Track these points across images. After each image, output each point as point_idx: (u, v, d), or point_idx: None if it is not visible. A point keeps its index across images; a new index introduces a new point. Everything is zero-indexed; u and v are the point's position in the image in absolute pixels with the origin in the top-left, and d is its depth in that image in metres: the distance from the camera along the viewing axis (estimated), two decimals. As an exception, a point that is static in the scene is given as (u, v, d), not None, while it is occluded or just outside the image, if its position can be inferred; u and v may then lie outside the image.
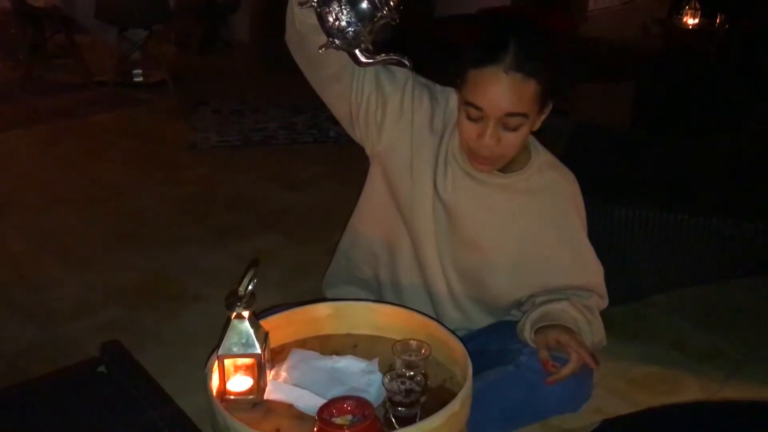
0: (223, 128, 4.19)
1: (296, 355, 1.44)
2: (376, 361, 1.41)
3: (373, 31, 1.25)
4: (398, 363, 1.35)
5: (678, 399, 1.97)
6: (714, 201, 2.12)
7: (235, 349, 1.33)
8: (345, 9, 1.21)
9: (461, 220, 1.57)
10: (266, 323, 1.47)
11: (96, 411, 1.22)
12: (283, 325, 1.53)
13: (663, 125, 3.29)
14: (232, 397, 1.35)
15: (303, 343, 1.51)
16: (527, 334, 1.49)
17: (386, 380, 1.28)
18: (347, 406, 1.23)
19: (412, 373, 1.30)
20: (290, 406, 1.33)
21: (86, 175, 3.56)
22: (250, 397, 1.35)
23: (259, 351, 1.33)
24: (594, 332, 1.54)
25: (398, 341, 1.41)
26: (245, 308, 1.33)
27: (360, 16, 1.22)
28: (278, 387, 1.36)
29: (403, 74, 1.51)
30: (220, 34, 6.13)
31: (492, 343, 1.62)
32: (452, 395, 1.37)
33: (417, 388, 1.27)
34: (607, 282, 2.11)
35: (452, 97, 1.53)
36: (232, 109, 4.52)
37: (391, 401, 1.26)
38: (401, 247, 1.63)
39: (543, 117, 1.45)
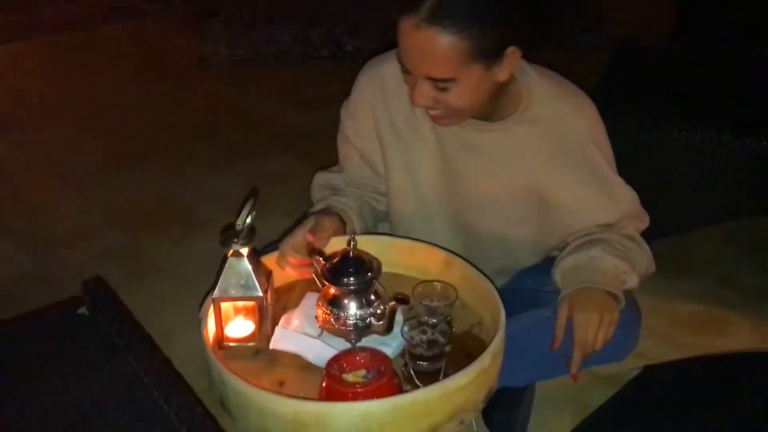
0: (234, 41, 3.92)
1: (310, 300, 1.26)
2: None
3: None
4: (420, 308, 1.17)
5: (727, 341, 1.79)
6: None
7: (233, 292, 1.15)
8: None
9: (458, 171, 1.38)
10: (270, 260, 1.29)
11: (72, 360, 1.06)
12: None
13: (711, 34, 2.96)
14: (231, 344, 1.19)
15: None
16: (557, 285, 1.31)
17: (406, 329, 1.10)
18: (361, 360, 1.06)
19: (435, 320, 1.12)
20: (298, 357, 1.17)
21: (89, 90, 3.35)
22: (251, 344, 1.19)
23: (260, 293, 1.15)
24: (636, 263, 1.35)
25: (420, 283, 1.22)
26: (244, 244, 1.15)
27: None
28: (285, 335, 1.19)
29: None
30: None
31: (527, 281, 1.45)
32: (480, 344, 1.20)
33: (441, 339, 1.09)
34: (651, 212, 1.93)
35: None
36: (244, 20, 4.24)
37: (411, 354, 1.09)
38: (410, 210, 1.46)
39: (504, 67, 1.18)
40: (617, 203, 1.39)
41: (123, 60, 3.79)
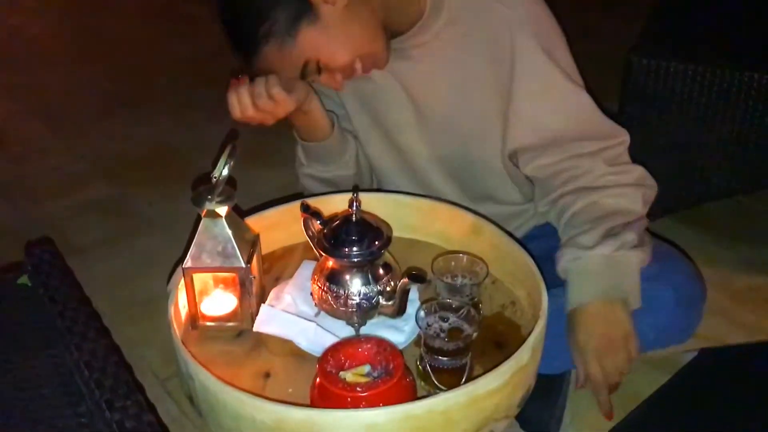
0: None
1: (307, 270, 1.03)
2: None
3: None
4: (441, 287, 0.94)
5: (795, 321, 1.55)
6: None
7: (207, 260, 0.93)
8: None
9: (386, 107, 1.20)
10: (258, 221, 1.07)
11: (2, 341, 0.85)
12: (285, 223, 1.12)
13: None
14: (207, 323, 0.97)
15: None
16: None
17: (422, 314, 0.87)
18: (364, 352, 0.84)
19: (459, 303, 0.89)
20: (288, 342, 0.95)
21: (90, 30, 3.12)
22: (231, 324, 0.97)
23: (242, 263, 0.93)
24: (642, 226, 1.08)
25: (441, 254, 0.99)
26: (221, 202, 0.92)
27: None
28: (273, 315, 0.96)
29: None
30: None
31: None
32: (514, 330, 0.98)
33: (467, 328, 0.86)
34: (704, 168, 1.65)
35: None
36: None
37: (428, 346, 0.85)
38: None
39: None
40: (576, 116, 1.12)
41: (125, 0, 3.54)
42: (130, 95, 2.57)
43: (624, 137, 1.15)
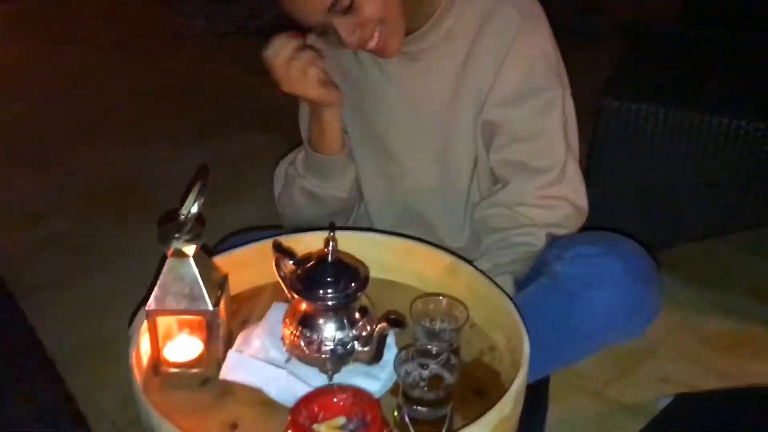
0: (214, 14, 3.63)
1: (278, 313, 0.98)
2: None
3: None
4: (419, 331, 0.91)
5: (764, 366, 1.54)
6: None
7: (173, 303, 0.88)
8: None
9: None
10: (226, 260, 1.02)
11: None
12: (254, 262, 1.07)
13: (718, 19, 2.72)
14: (171, 369, 0.92)
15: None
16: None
17: (401, 361, 0.83)
18: (339, 402, 0.79)
19: (439, 349, 0.85)
20: (257, 390, 0.90)
21: (54, 62, 3.06)
22: (196, 370, 0.91)
23: (209, 306, 0.88)
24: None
25: (419, 297, 0.95)
26: (189, 241, 0.87)
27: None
28: (240, 361, 0.91)
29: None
30: None
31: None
32: (493, 377, 0.94)
33: (447, 376, 0.82)
34: (681, 212, 1.66)
35: None
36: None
37: (407, 396, 0.81)
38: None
39: None
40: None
41: (92, 29, 3.50)
42: (95, 127, 2.51)
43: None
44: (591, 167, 1.68)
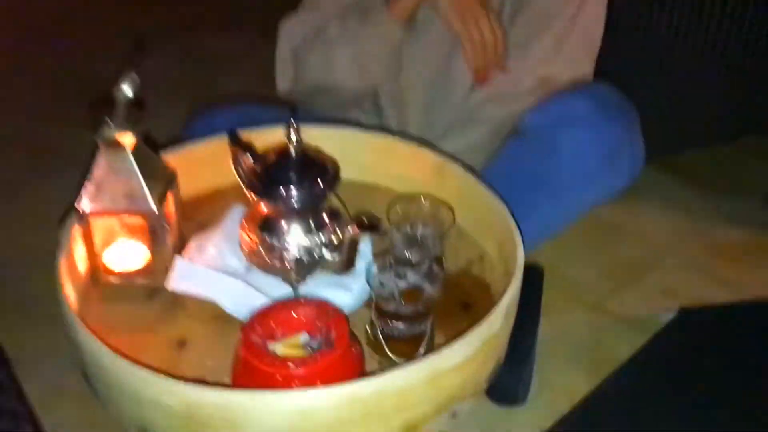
0: None
1: (237, 216, 0.85)
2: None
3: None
4: (397, 238, 0.78)
5: (776, 275, 1.45)
6: None
7: (109, 203, 0.75)
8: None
9: None
10: (179, 156, 0.88)
11: None
12: (214, 159, 0.93)
13: None
14: (111, 278, 0.80)
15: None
16: None
17: (374, 271, 0.71)
18: (301, 317, 0.67)
19: (419, 257, 0.73)
20: (210, 303, 0.78)
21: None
22: (141, 280, 0.80)
23: (151, 206, 0.75)
24: None
25: (398, 198, 0.82)
26: (123, 128, 0.73)
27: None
28: (190, 270, 0.79)
29: None
30: None
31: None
32: (482, 289, 0.83)
33: (428, 288, 0.70)
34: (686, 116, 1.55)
35: None
36: None
37: (381, 310, 0.70)
38: None
39: None
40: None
41: None
42: (52, 27, 2.32)
43: None
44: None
